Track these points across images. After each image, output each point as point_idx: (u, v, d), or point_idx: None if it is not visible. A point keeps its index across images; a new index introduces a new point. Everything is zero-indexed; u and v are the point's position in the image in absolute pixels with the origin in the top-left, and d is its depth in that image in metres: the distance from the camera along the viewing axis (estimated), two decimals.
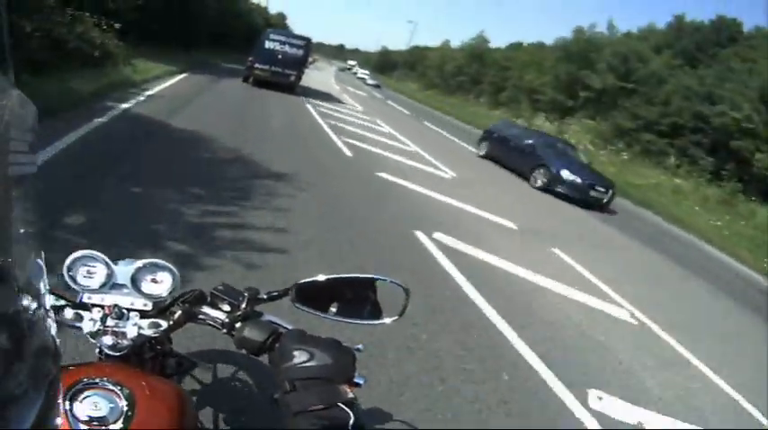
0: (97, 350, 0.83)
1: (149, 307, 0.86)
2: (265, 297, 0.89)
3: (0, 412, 0.43)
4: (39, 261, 0.47)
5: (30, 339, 0.47)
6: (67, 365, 0.72)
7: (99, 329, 0.82)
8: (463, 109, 31.96)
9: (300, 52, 17.23)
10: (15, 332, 0.45)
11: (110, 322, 0.83)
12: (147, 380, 0.80)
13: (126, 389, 0.72)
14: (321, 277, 0.90)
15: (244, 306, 0.87)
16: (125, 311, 0.84)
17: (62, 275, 0.80)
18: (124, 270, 0.85)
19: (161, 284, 0.87)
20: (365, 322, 0.93)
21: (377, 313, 0.93)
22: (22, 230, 0.45)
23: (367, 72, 60.95)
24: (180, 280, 0.87)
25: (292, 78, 17.41)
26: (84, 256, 0.83)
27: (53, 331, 0.50)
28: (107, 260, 0.84)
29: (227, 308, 0.88)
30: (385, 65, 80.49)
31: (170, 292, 0.87)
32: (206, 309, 0.89)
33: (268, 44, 16.99)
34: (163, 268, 0.87)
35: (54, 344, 0.51)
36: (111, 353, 0.83)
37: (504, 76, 36.09)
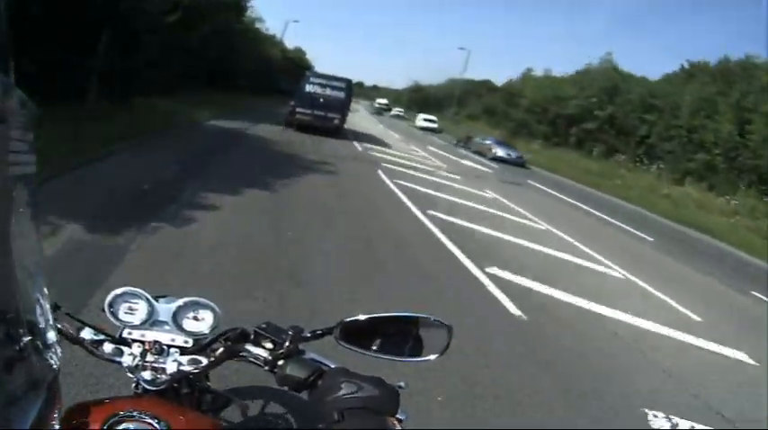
0: (134, 384, 0.84)
1: (190, 343, 0.87)
2: (309, 335, 0.90)
3: (0, 412, 0.42)
4: (38, 262, 0.47)
5: (30, 341, 0.46)
6: (105, 398, 0.74)
7: (138, 364, 0.83)
8: (654, 191, 18.58)
9: (342, 94, 17.05)
10: (16, 334, 0.45)
11: (149, 358, 0.84)
12: (183, 414, 0.81)
13: (163, 422, 0.72)
14: (364, 316, 0.91)
15: (287, 344, 0.88)
16: (165, 347, 0.85)
17: (103, 311, 0.83)
18: (165, 307, 0.86)
19: (202, 322, 0.88)
20: (407, 359, 0.93)
21: (419, 350, 0.93)
22: (21, 232, 0.45)
23: (401, 110, 57.28)
24: (221, 317, 0.88)
25: (336, 122, 17.34)
26: (125, 293, 0.84)
27: (53, 333, 0.49)
28: (149, 297, 0.85)
29: (269, 345, 0.89)
30: (421, 102, 76.59)
31: (211, 330, 0.88)
32: (248, 347, 0.89)
33: (308, 87, 16.96)
34: (204, 306, 0.88)
35: (54, 346, 0.50)
36: (148, 387, 0.83)
37: (668, 122, 23.63)
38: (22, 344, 0.44)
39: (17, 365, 0.44)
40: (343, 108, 17.04)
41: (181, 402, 0.86)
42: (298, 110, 16.74)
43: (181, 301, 0.86)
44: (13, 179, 0.43)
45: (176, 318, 0.86)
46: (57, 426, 0.46)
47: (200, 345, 0.87)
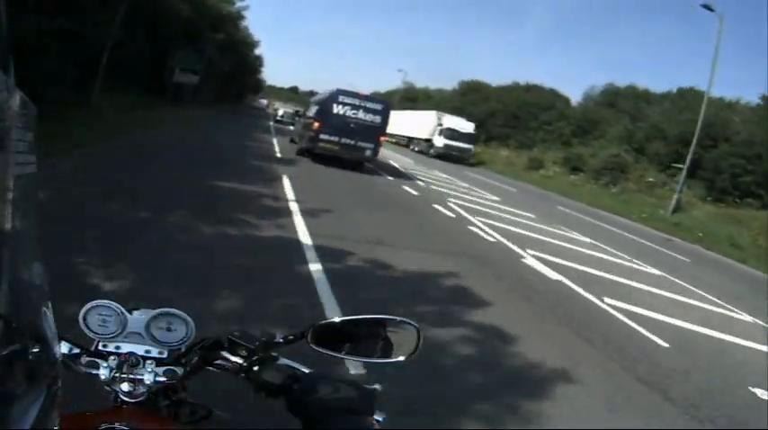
0: (113, 397, 0.85)
1: (165, 354, 0.88)
2: (281, 340, 0.91)
3: (0, 412, 0.43)
4: (38, 262, 0.48)
5: (30, 341, 0.47)
6: (84, 411, 0.74)
7: (115, 376, 0.84)
8: None
9: (378, 119, 14.13)
10: (16, 334, 0.46)
11: (126, 369, 0.84)
12: (163, 426, 0.83)
13: None
14: (336, 319, 0.93)
15: (260, 350, 0.90)
16: (141, 359, 0.86)
17: (77, 324, 0.84)
18: (138, 319, 0.87)
19: (175, 332, 0.89)
20: (377, 361, 0.96)
21: (388, 351, 0.95)
22: (20, 231, 0.46)
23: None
24: (194, 328, 0.89)
25: (368, 153, 14.33)
26: (98, 306, 0.85)
27: (53, 333, 0.50)
28: (121, 309, 0.86)
29: (243, 353, 0.90)
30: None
31: (185, 340, 0.89)
32: (222, 355, 0.91)
33: (336, 108, 13.73)
34: (177, 317, 0.89)
35: (54, 345, 0.51)
36: (127, 399, 0.84)
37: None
38: (21, 344, 0.45)
39: (17, 365, 0.45)
40: (378, 136, 14.31)
41: (160, 414, 0.87)
42: (322, 136, 13.57)
43: (153, 312, 0.88)
44: (13, 179, 0.44)
45: (149, 328, 0.87)
46: (56, 426, 0.47)
47: (176, 356, 0.88)
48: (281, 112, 41.33)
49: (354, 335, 0.93)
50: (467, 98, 49.68)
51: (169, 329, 0.88)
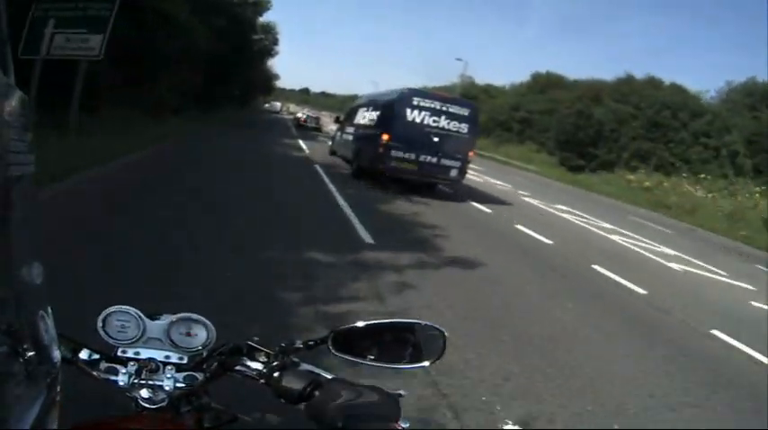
0: (134, 404, 0.85)
1: (185, 360, 0.89)
2: (301, 345, 0.91)
3: (0, 412, 0.43)
4: (38, 262, 0.48)
5: (30, 341, 0.47)
6: (106, 417, 0.77)
7: (135, 383, 0.85)
8: None
9: (465, 127, 11.31)
10: (16, 334, 0.46)
11: (145, 375, 0.85)
12: None
13: None
14: (359, 324, 0.93)
15: (281, 356, 0.90)
16: (160, 365, 0.87)
17: (96, 330, 0.85)
18: (157, 324, 0.89)
19: (195, 338, 0.90)
20: (405, 367, 0.95)
21: (417, 357, 0.94)
22: (20, 232, 0.46)
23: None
24: (215, 333, 0.90)
25: (453, 173, 11.52)
26: (116, 311, 0.86)
27: (53, 333, 0.50)
28: (140, 314, 0.87)
29: (263, 358, 0.91)
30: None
31: (205, 345, 0.90)
32: (243, 361, 0.91)
33: (411, 114, 10.87)
34: (197, 322, 0.90)
35: (54, 345, 0.51)
36: (147, 406, 0.84)
37: None
38: (21, 344, 0.45)
39: (17, 365, 0.45)
40: (466, 151, 11.51)
41: (182, 420, 0.89)
42: (394, 152, 10.83)
43: (173, 317, 0.90)
44: (12, 179, 0.44)
45: (169, 334, 0.89)
46: (56, 426, 0.47)
47: (196, 362, 0.90)
48: (301, 115, 37.90)
49: (376, 340, 0.93)
50: (545, 96, 42.73)
51: (189, 334, 0.89)
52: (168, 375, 0.86)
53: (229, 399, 0.98)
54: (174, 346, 0.88)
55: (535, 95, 44.17)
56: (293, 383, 0.86)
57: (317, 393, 0.83)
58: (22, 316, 0.49)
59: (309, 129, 31.95)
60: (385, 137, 10.87)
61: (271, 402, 0.91)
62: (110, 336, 0.85)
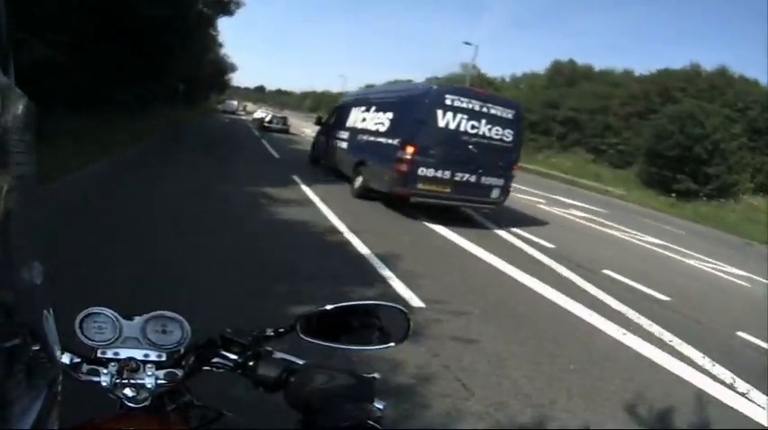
0: (119, 405, 0.87)
1: (164, 357, 0.91)
2: (272, 333, 0.96)
3: (0, 412, 0.44)
4: (39, 262, 0.49)
5: (31, 342, 0.48)
6: (92, 419, 0.77)
7: (117, 383, 0.86)
8: None
9: (509, 135, 9.23)
10: (17, 335, 0.47)
11: (126, 375, 0.87)
12: (171, 428, 0.86)
13: None
14: (325, 307, 0.97)
15: (254, 345, 0.94)
16: (140, 364, 0.89)
17: (75, 333, 0.85)
18: (133, 323, 0.91)
19: (171, 335, 0.92)
20: (374, 348, 1.00)
21: (385, 338, 0.99)
22: (21, 232, 0.47)
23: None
24: (189, 329, 0.92)
25: (495, 194, 9.40)
26: (92, 313, 0.87)
27: (54, 334, 0.51)
28: (115, 315, 0.89)
29: (238, 349, 0.95)
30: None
31: (181, 342, 0.92)
32: (219, 353, 0.95)
33: (443, 117, 8.51)
34: (171, 319, 0.92)
35: (54, 346, 0.52)
36: (132, 405, 0.86)
37: None
38: (22, 344, 0.46)
39: (17, 365, 0.46)
40: (510, 164, 9.53)
41: (168, 418, 0.90)
42: (422, 171, 8.52)
43: (147, 316, 0.91)
44: (13, 179, 0.45)
45: (145, 332, 0.91)
46: (57, 426, 0.48)
47: (174, 358, 0.92)
48: (264, 116, 33.47)
49: (344, 324, 0.98)
50: (578, 89, 36.40)
51: (164, 332, 0.91)
52: (149, 373, 0.89)
53: (213, 396, 1.02)
54: (152, 345, 0.92)
55: (564, 89, 37.47)
56: (269, 371, 0.91)
57: (292, 379, 0.89)
58: (25, 316, 0.50)
59: (275, 131, 29.14)
60: (409, 150, 8.35)
61: (251, 394, 0.94)
62: (88, 338, 0.89)
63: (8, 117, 0.48)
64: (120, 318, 0.90)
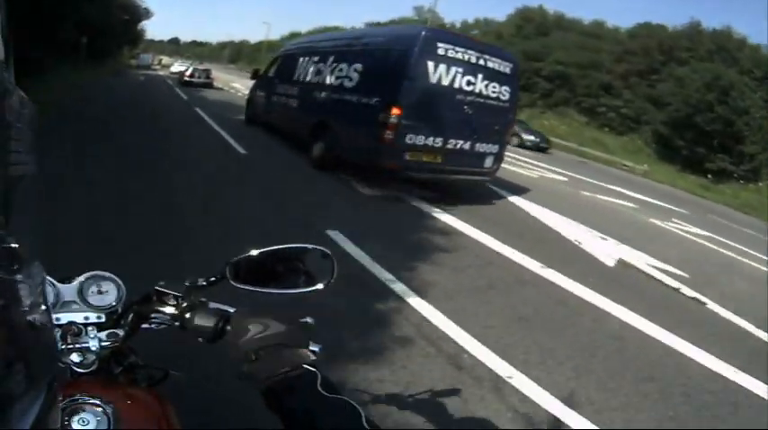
0: (68, 373, 0.85)
1: (103, 318, 0.93)
2: (205, 283, 0.98)
3: (0, 412, 0.46)
4: (38, 263, 0.50)
5: (30, 340, 0.50)
6: None
7: (63, 349, 0.85)
8: None
9: (506, 93, 8.12)
10: (16, 334, 0.48)
11: (70, 340, 0.87)
12: (123, 391, 0.88)
13: (109, 404, 0.77)
14: (253, 252, 0.98)
15: (188, 297, 0.95)
16: (82, 327, 0.89)
17: None
18: (68, 287, 0.93)
19: (108, 295, 0.95)
20: (300, 291, 1.02)
21: (311, 281, 1.03)
22: (21, 236, 0.48)
23: None
24: (124, 287, 0.97)
25: (489, 163, 8.41)
26: None
27: (54, 333, 0.52)
28: (51, 280, 0.91)
29: (172, 302, 0.95)
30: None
31: (118, 301, 0.96)
32: (155, 308, 0.95)
33: (434, 71, 7.27)
34: (106, 279, 0.95)
35: (54, 345, 0.53)
36: (80, 370, 0.86)
37: None
38: (22, 343, 0.48)
39: (17, 365, 0.48)
40: (506, 128, 8.59)
41: (117, 380, 0.94)
42: (411, 138, 7.30)
43: (82, 277, 0.94)
44: (12, 179, 0.46)
45: (82, 294, 0.93)
46: (57, 426, 0.50)
47: (114, 319, 0.94)
48: (183, 69, 30.55)
49: (273, 270, 1.02)
50: (560, 41, 32.70)
51: (100, 292, 0.94)
52: (91, 336, 0.91)
53: (157, 354, 1.06)
54: (90, 307, 0.94)
55: (542, 40, 33.71)
56: (205, 322, 0.93)
57: (228, 328, 0.92)
58: (24, 316, 0.50)
59: (197, 86, 26.19)
60: (395, 111, 6.92)
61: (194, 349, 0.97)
62: None
63: (8, 116, 0.47)
64: (56, 282, 0.90)
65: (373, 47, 8.20)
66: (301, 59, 10.22)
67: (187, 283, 0.97)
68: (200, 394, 1.59)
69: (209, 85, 27.85)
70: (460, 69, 7.28)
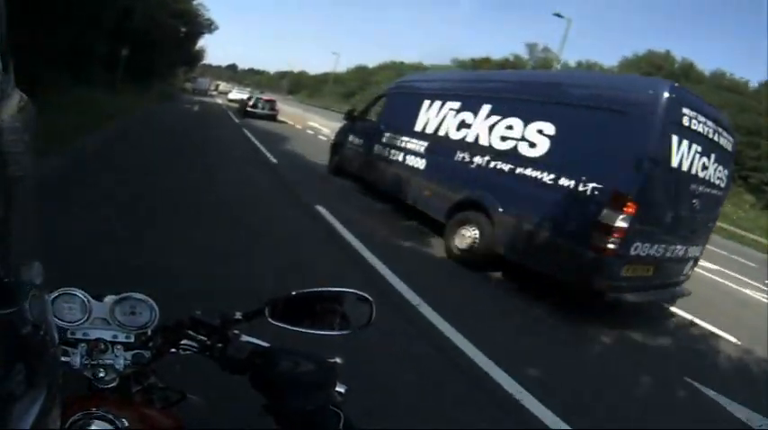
0: (87, 386, 0.89)
1: (132, 339, 0.94)
2: (240, 317, 0.99)
3: (0, 412, 0.45)
4: (38, 265, 0.49)
5: (30, 341, 0.49)
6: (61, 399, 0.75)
7: (87, 363, 0.89)
8: None
9: (725, 175, 6.31)
10: (16, 334, 0.48)
11: (95, 355, 0.90)
12: (138, 409, 0.89)
13: (122, 419, 0.78)
14: (291, 293, 1.01)
15: (222, 328, 0.96)
16: (109, 345, 0.91)
17: None
18: (102, 304, 0.93)
19: (140, 316, 0.95)
20: (336, 333, 1.03)
21: (345, 324, 1.04)
22: (22, 236, 0.47)
23: None
24: (158, 311, 0.96)
25: (687, 269, 6.70)
26: (63, 294, 0.90)
27: (54, 333, 0.52)
28: (86, 295, 0.92)
29: (205, 332, 0.96)
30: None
31: (149, 323, 0.95)
32: (186, 335, 0.97)
33: (677, 149, 5.25)
34: (140, 300, 0.95)
35: (55, 345, 0.53)
36: (100, 386, 0.89)
37: None
38: (22, 343, 0.47)
39: (17, 365, 0.47)
40: (713, 222, 6.94)
41: (134, 399, 0.93)
42: (636, 245, 5.34)
43: (117, 297, 0.94)
44: (12, 179, 0.46)
45: (114, 313, 0.93)
46: (57, 426, 0.49)
47: (142, 340, 0.95)
48: (244, 97, 29.17)
49: (311, 310, 1.04)
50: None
51: (133, 313, 0.94)
52: (117, 354, 0.93)
53: (178, 378, 1.10)
54: (120, 326, 0.97)
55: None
56: (235, 354, 0.95)
57: (258, 362, 0.94)
58: (25, 318, 0.50)
59: (259, 117, 24.04)
60: (628, 210, 5.11)
61: (217, 376, 0.97)
62: (59, 319, 0.92)
63: (8, 117, 0.48)
64: (90, 298, 0.93)
65: (574, 100, 5.86)
66: (429, 103, 7.76)
67: (223, 316, 0.97)
68: (217, 421, 1.53)
69: (273, 118, 25.08)
70: (699, 148, 5.47)
